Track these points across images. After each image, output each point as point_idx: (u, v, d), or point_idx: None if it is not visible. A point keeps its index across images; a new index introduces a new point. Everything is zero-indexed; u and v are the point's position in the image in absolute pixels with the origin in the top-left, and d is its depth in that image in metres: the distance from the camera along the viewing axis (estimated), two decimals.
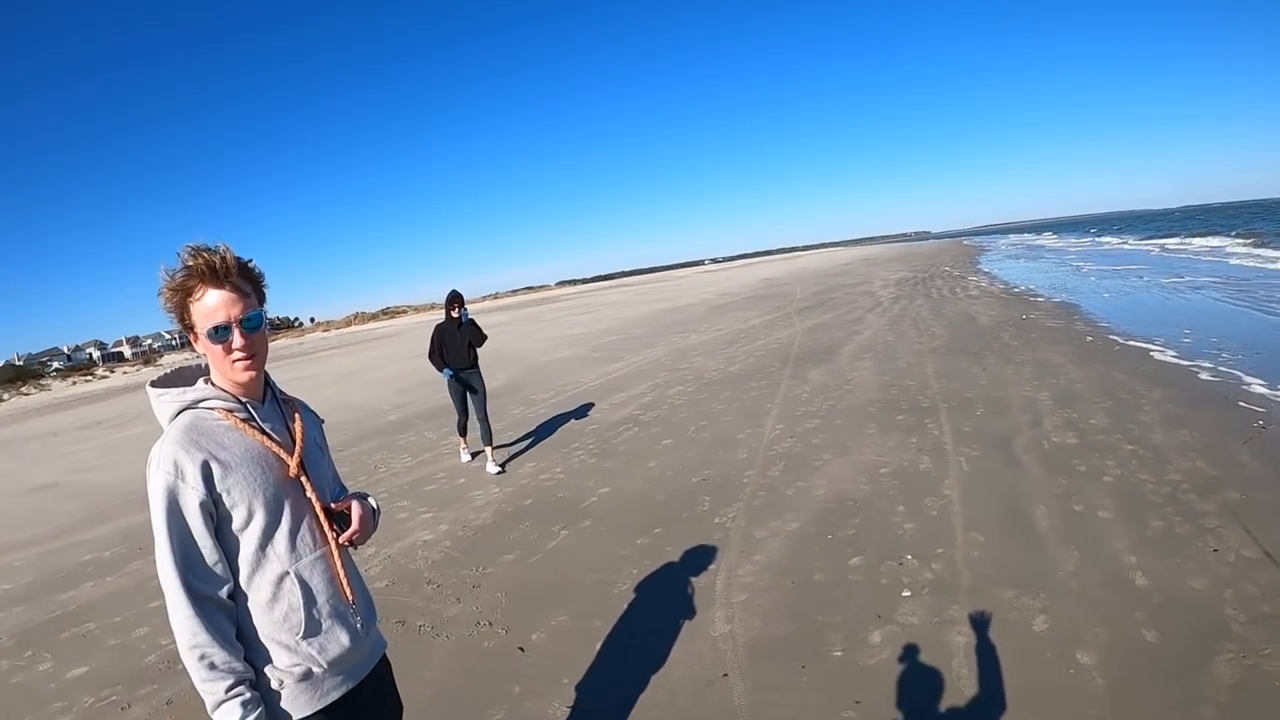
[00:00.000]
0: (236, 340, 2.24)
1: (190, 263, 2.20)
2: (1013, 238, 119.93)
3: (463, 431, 10.46)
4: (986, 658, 4.39)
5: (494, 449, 10.15)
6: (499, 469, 9.71)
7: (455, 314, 9.81)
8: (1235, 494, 6.31)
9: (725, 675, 4.55)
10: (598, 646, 5.05)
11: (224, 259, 2.22)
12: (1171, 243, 52.28)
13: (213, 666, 2.11)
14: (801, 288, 41.65)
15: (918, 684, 4.24)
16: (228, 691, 2.12)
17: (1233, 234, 51.53)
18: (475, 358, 10.09)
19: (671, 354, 19.05)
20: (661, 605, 5.53)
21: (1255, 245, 39.47)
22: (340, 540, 2.39)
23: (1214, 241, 46.67)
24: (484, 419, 9.90)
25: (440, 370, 10.01)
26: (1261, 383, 9.80)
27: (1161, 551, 5.43)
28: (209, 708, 2.14)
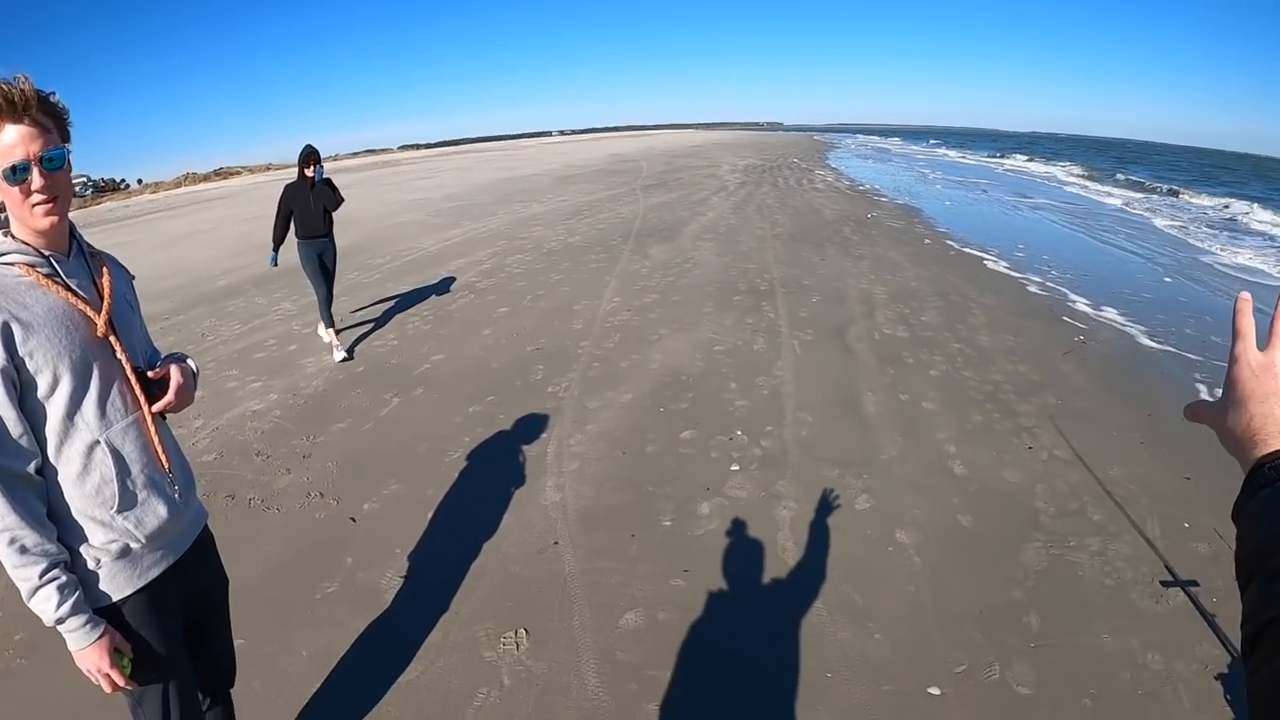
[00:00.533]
0: (36, 180, 1.99)
1: None
2: (861, 138, 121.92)
3: (329, 319, 8.72)
4: (810, 532, 4.54)
5: (338, 332, 8.89)
6: (347, 355, 8.44)
7: (310, 173, 8.32)
8: (1053, 399, 6.70)
9: (556, 543, 4.56)
10: (430, 515, 4.98)
11: (22, 91, 1.97)
12: (1010, 162, 54.25)
13: (24, 550, 1.95)
14: (649, 165, 41.38)
15: (744, 555, 4.35)
16: (42, 576, 1.96)
17: (1067, 164, 53.78)
18: (331, 224, 8.72)
19: (512, 223, 18.69)
20: (494, 474, 5.48)
21: (1087, 178, 41.50)
22: (155, 408, 2.22)
23: (1052, 169, 48.64)
24: (330, 299, 8.73)
25: (274, 243, 8.74)
26: (1086, 301, 10.38)
27: (980, 444, 5.73)
28: (24, 596, 1.99)
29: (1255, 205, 25.44)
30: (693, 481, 5.19)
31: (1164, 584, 4.12)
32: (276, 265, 9.06)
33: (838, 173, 34.96)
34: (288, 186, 8.51)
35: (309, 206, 8.44)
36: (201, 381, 8.02)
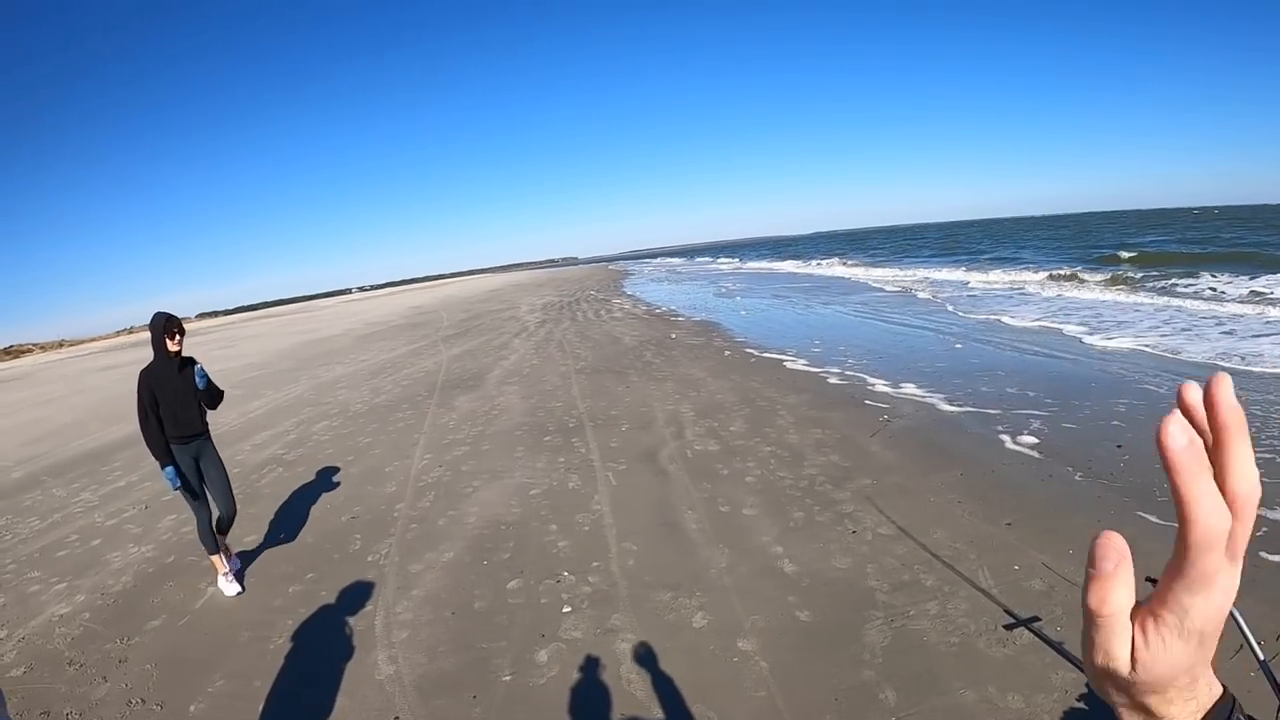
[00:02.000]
0: None
1: None
2: (656, 262, 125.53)
3: (213, 545, 6.53)
4: (653, 660, 4.46)
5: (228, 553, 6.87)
6: (240, 587, 6.57)
7: (174, 347, 6.31)
8: (867, 480, 6.92)
9: (396, 718, 4.33)
10: (260, 708, 4.65)
11: None
12: (795, 265, 57.01)
13: None
14: (449, 315, 41.49)
15: (590, 696, 4.23)
16: None
17: (846, 257, 57.20)
18: (205, 418, 6.70)
19: (316, 388, 18.30)
20: (322, 654, 5.18)
21: (867, 266, 44.49)
22: None
23: (835, 263, 51.58)
24: (229, 503, 6.63)
25: (159, 455, 6.33)
26: (885, 382, 10.92)
27: (805, 539, 5.81)
28: None
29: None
30: (526, 631, 5.04)
31: (1007, 627, 4.27)
32: (179, 485, 6.38)
33: (634, 299, 35.84)
34: (146, 372, 6.34)
35: (180, 395, 6.40)
36: (1, 587, 7.44)
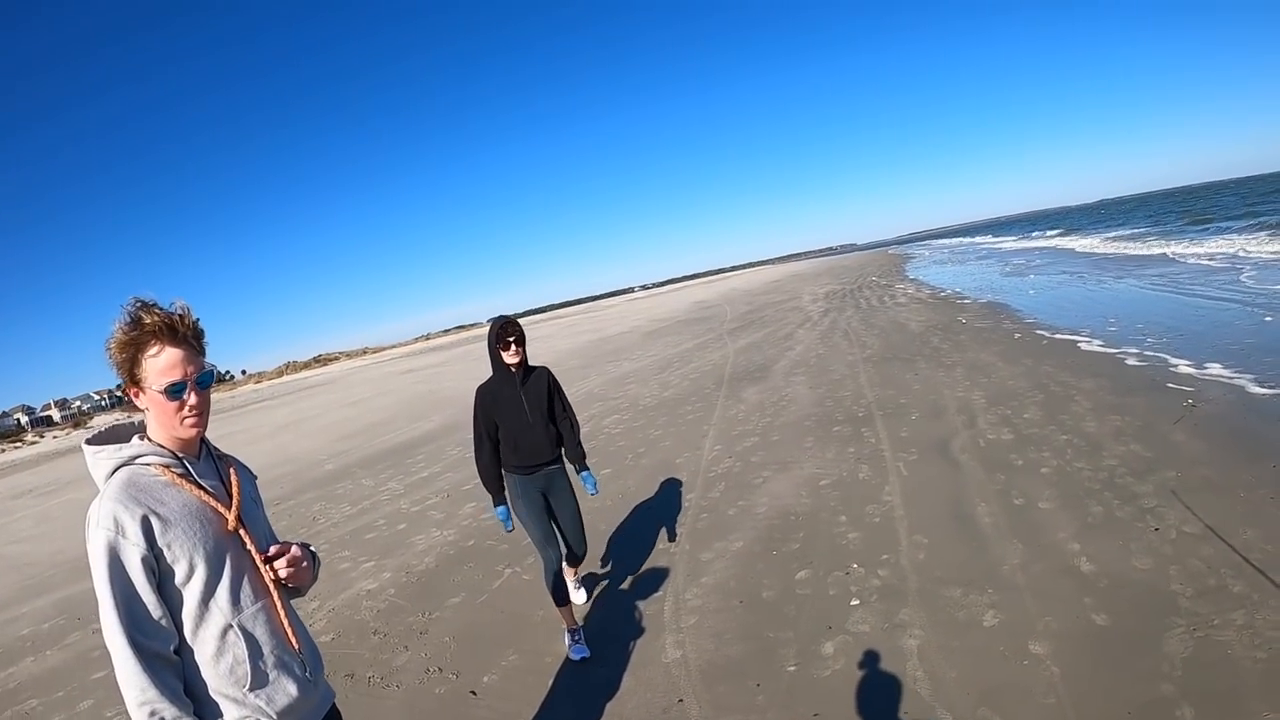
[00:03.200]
0: (191, 398, 2.27)
1: (146, 320, 2.21)
2: (936, 244, 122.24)
3: (563, 595, 5.40)
4: (940, 658, 4.41)
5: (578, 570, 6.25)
6: (582, 592, 6.25)
7: (512, 358, 5.28)
8: (1171, 473, 6.46)
9: (681, 701, 4.51)
10: (550, 683, 5.01)
11: (183, 318, 2.26)
12: (1088, 240, 53.89)
13: None
14: (732, 308, 41.88)
15: (874, 691, 4.24)
16: None
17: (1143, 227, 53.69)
18: (560, 442, 5.64)
19: (605, 383, 19.03)
20: (612, 635, 5.48)
21: (1166, 237, 41.56)
22: (273, 572, 2.39)
23: (1130, 231, 48.51)
24: (580, 543, 5.71)
25: (493, 490, 5.45)
26: (1188, 363, 10.09)
27: (1104, 536, 5.52)
28: None
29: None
30: (813, 622, 5.11)
31: None
32: (513, 527, 5.58)
33: (917, 283, 34.93)
34: (482, 390, 5.42)
35: (522, 416, 5.36)
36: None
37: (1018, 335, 14.85)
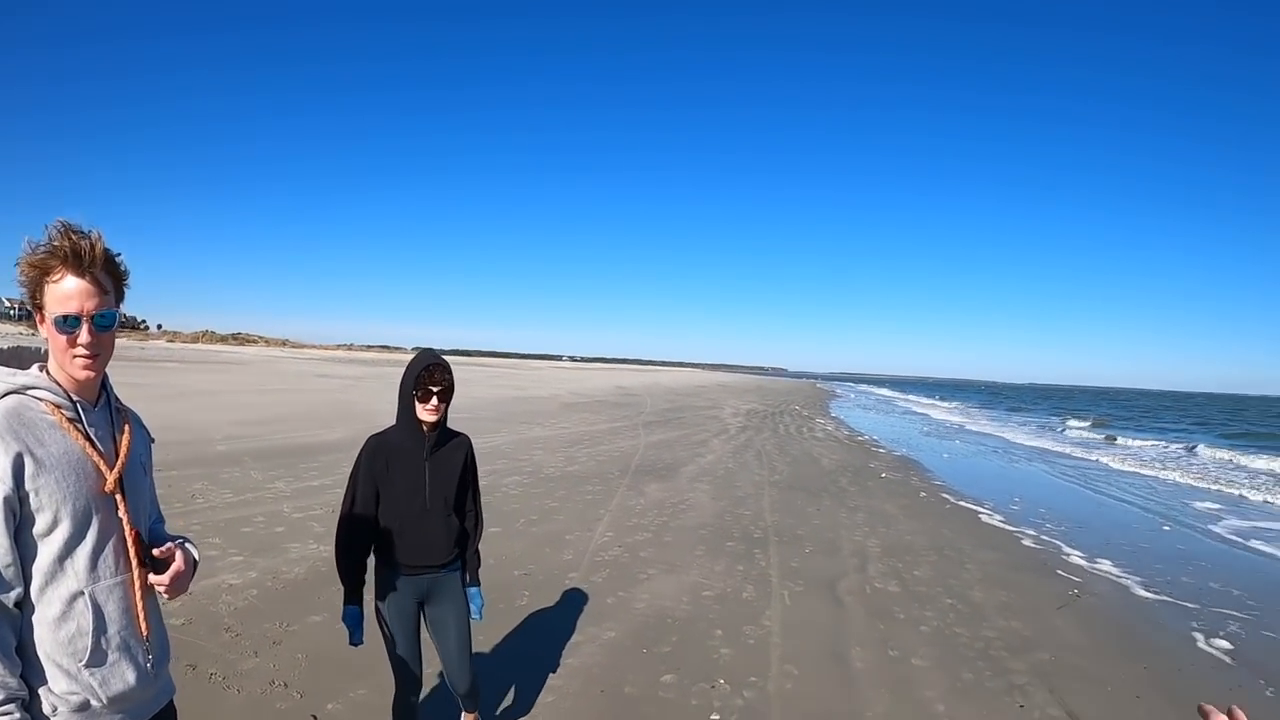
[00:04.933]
0: (83, 336, 2.11)
1: (57, 242, 2.08)
2: (865, 388, 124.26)
3: None
4: None
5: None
6: None
7: (430, 412, 3.82)
8: (1046, 655, 6.63)
9: None
10: None
11: (93, 246, 2.11)
12: (1012, 418, 55.33)
13: None
14: (653, 401, 42.07)
15: None
16: None
17: (1072, 417, 55.38)
18: (463, 540, 4.16)
19: (514, 443, 18.88)
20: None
21: (1094, 428, 42.95)
22: (152, 581, 2.25)
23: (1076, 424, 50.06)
24: (465, 677, 4.17)
25: (347, 583, 3.89)
26: (1080, 554, 10.46)
27: (971, 702, 5.61)
28: None
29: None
30: None
31: None
32: (362, 642, 3.92)
33: (838, 422, 35.55)
34: (375, 442, 3.92)
35: (419, 495, 3.90)
36: None
37: (923, 494, 15.20)
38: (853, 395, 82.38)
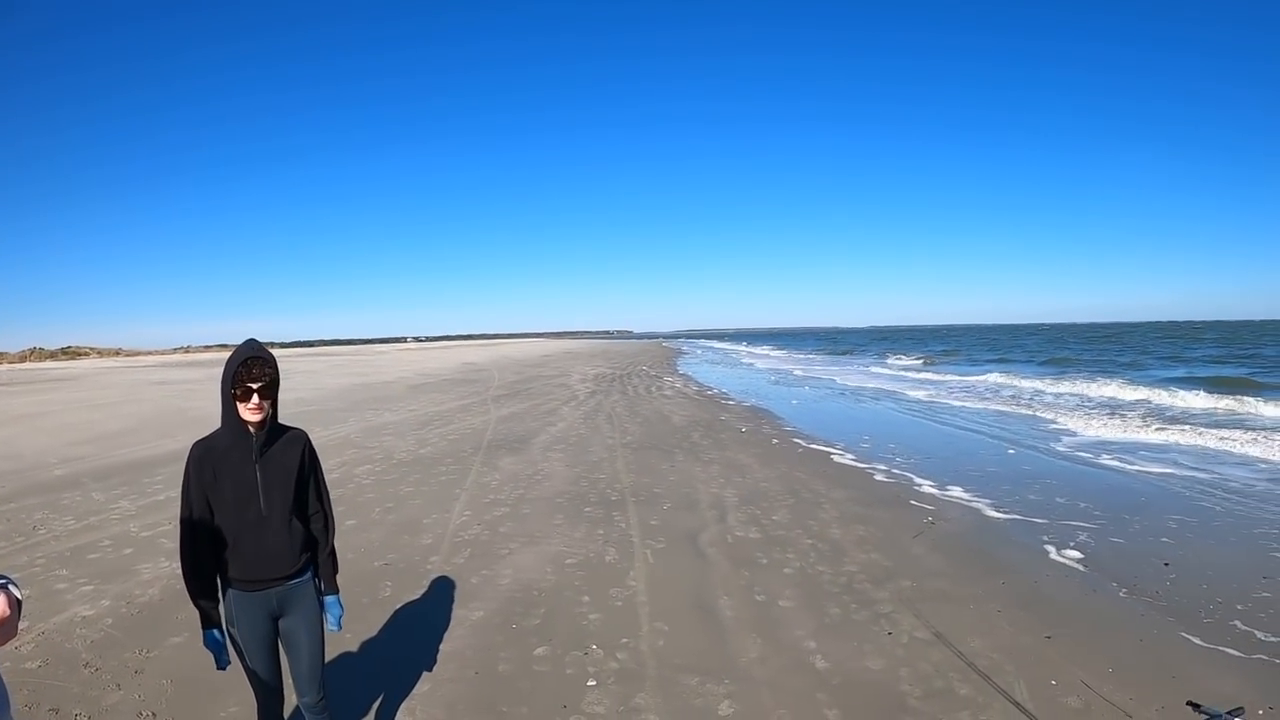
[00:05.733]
0: None
1: None
2: (711, 343, 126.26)
3: None
4: None
5: None
6: None
7: (252, 410, 3.40)
8: (908, 582, 6.83)
9: None
10: None
11: None
12: (851, 360, 57.07)
13: None
14: (500, 375, 41.79)
15: None
16: None
17: (911, 356, 57.54)
18: (307, 546, 3.73)
19: (363, 431, 18.45)
20: (339, 690, 5.10)
21: (928, 365, 44.75)
22: None
23: (904, 360, 51.86)
24: (314, 688, 3.79)
25: (195, 595, 3.53)
26: (931, 483, 10.82)
27: (840, 636, 5.72)
28: None
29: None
30: (549, 699, 4.97)
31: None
32: (227, 666, 3.66)
33: (686, 378, 35.93)
34: (200, 449, 3.52)
35: (252, 504, 3.52)
36: (29, 580, 7.50)
37: (775, 441, 15.48)
38: (699, 351, 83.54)
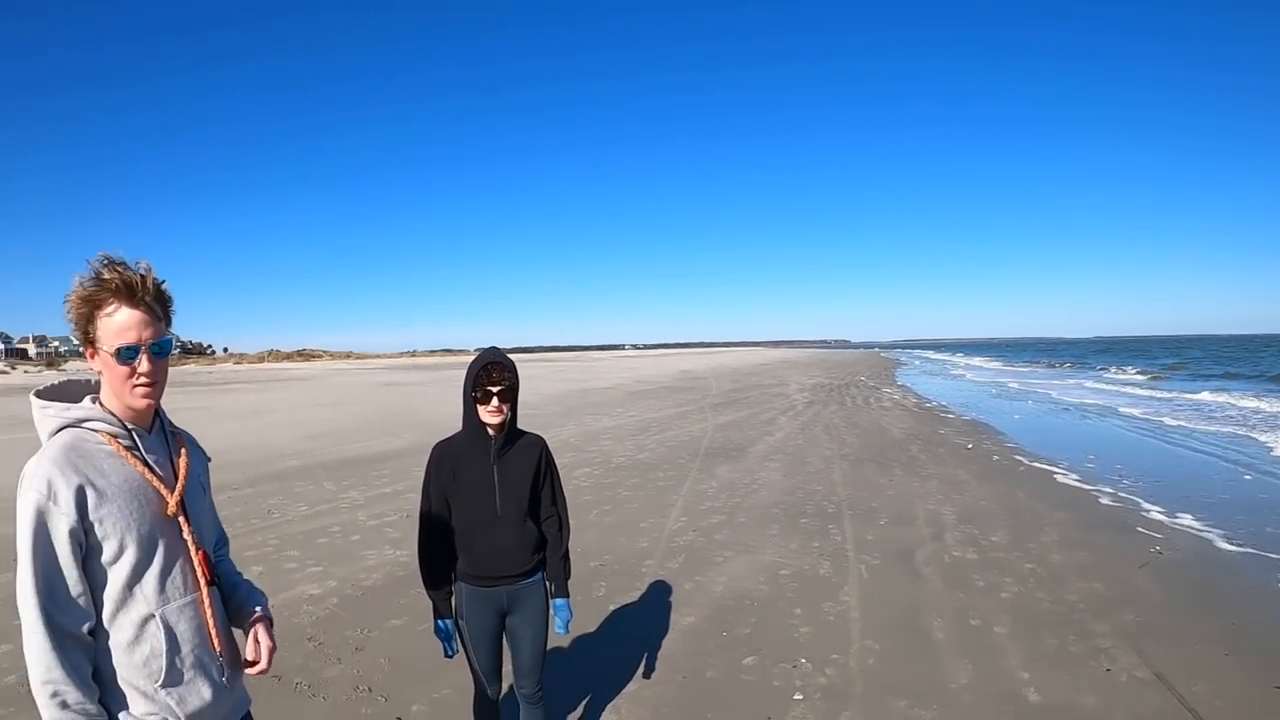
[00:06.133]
0: (143, 365, 2.14)
1: (106, 276, 2.10)
2: (927, 354, 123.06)
3: None
4: None
5: None
6: None
7: (493, 413, 3.65)
8: (1130, 616, 6.47)
9: None
10: None
11: (144, 278, 2.14)
12: (1082, 373, 54.52)
13: (65, 705, 1.98)
14: (718, 383, 41.98)
15: None
16: None
17: (1134, 369, 54.69)
18: (540, 545, 3.89)
19: (582, 435, 18.95)
20: (552, 689, 5.35)
21: (1154, 380, 42.32)
22: (249, 671, 2.36)
23: (1126, 374, 49.28)
24: (533, 677, 3.94)
25: (431, 587, 3.84)
26: (1160, 509, 10.21)
27: (1055, 668, 5.50)
28: None
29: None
30: (753, 710, 5.00)
31: None
32: (454, 654, 3.90)
33: (905, 390, 35.20)
34: (441, 450, 3.83)
35: (488, 503, 3.72)
36: (262, 559, 8.18)
37: (996, 457, 14.94)
38: (918, 362, 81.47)
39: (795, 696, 5.19)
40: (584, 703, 5.18)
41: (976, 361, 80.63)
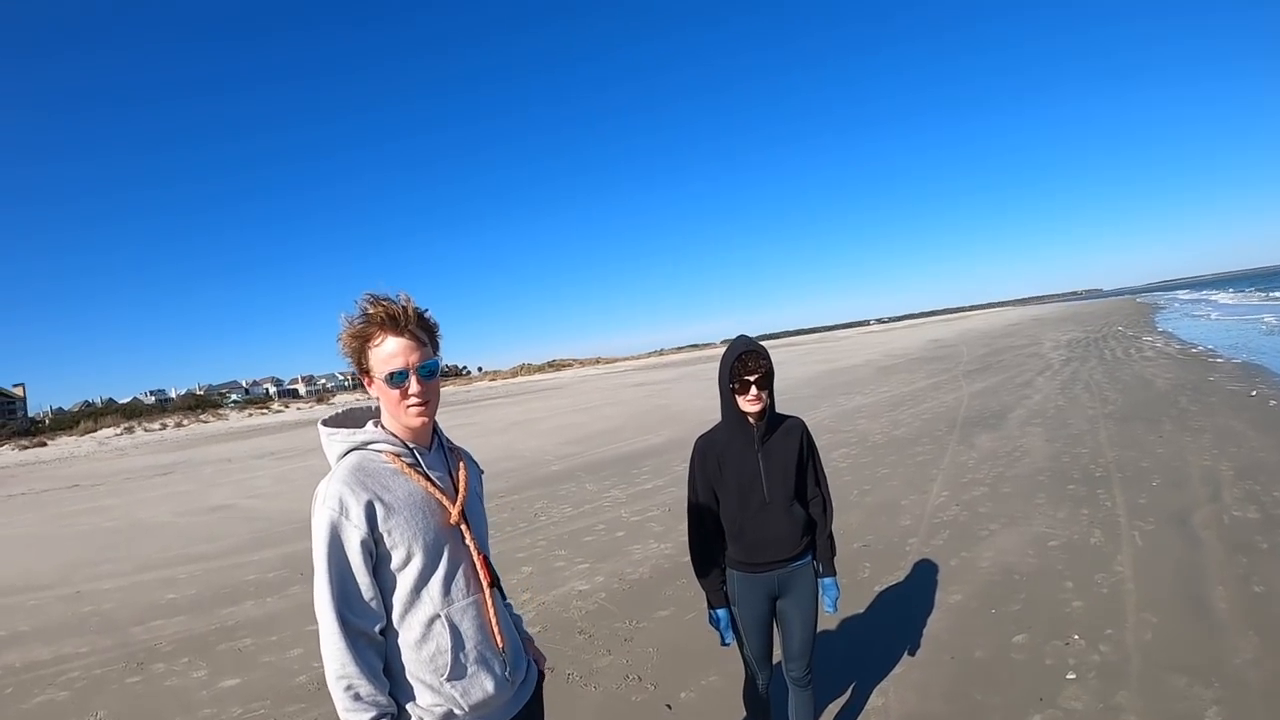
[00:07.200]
0: (413, 386, 2.37)
1: (370, 310, 2.37)
2: (1188, 294, 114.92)
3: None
4: None
5: None
6: None
7: (756, 405, 3.67)
8: None
9: None
10: (746, 713, 4.90)
11: (404, 308, 2.39)
12: None
13: (358, 698, 2.23)
14: (969, 349, 40.55)
15: None
16: None
17: None
18: (808, 528, 3.93)
19: (836, 415, 18.79)
20: (818, 671, 5.20)
21: None
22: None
23: None
24: (803, 661, 4.01)
25: (704, 577, 3.87)
26: None
27: None
28: None
29: None
30: (1024, 691, 4.86)
31: None
32: (730, 643, 3.98)
33: (1167, 336, 32.75)
34: (704, 442, 3.84)
35: (755, 490, 3.75)
36: (531, 559, 8.63)
37: (1273, 403, 13.66)
38: (1178, 305, 76.02)
39: (1068, 675, 5.00)
40: (851, 686, 5.19)
41: (1239, 298, 74.68)
